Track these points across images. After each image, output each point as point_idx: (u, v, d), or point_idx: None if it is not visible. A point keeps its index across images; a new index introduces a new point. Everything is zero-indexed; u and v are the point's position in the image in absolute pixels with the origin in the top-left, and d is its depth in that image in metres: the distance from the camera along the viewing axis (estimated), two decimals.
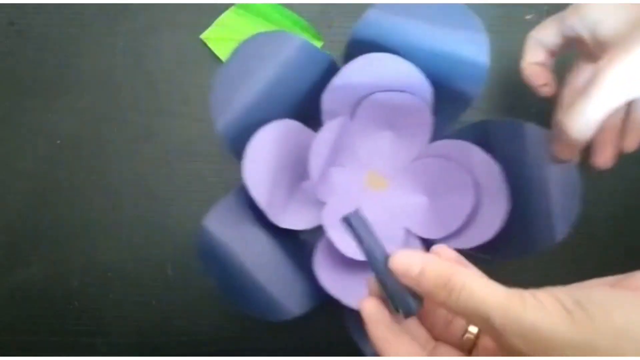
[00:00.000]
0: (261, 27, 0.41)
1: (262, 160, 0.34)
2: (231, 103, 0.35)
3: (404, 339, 0.23)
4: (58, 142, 0.42)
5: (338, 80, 0.34)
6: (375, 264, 0.24)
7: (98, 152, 0.42)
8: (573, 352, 0.19)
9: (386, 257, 0.23)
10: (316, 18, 0.41)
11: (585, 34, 0.32)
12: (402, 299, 0.23)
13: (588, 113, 0.28)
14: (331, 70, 0.36)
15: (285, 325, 0.40)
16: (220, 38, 0.41)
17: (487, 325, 0.20)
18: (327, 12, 0.41)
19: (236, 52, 0.34)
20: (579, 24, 0.32)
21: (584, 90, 0.29)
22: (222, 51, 0.41)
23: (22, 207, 0.41)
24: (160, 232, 0.41)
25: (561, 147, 0.32)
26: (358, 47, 0.35)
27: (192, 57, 0.42)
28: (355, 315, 0.34)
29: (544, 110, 0.36)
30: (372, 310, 0.24)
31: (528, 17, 0.41)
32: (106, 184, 0.41)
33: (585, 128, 0.29)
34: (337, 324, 0.35)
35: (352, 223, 0.24)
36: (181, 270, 0.41)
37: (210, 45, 0.41)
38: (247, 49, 0.34)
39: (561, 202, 0.34)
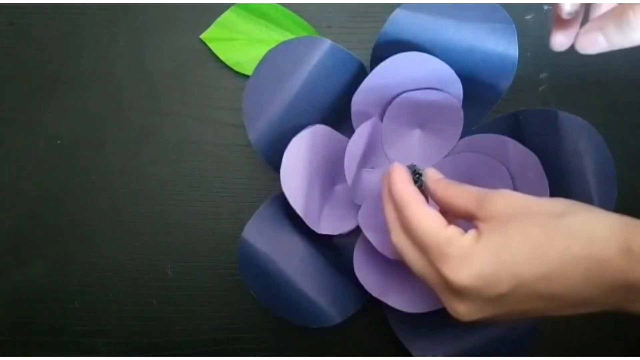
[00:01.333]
0: (261, 27, 0.41)
1: (297, 169, 0.35)
2: (263, 113, 0.35)
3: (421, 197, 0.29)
4: (58, 142, 0.42)
5: (369, 81, 0.34)
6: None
7: (98, 152, 0.42)
8: (536, 205, 0.26)
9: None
10: (316, 18, 0.41)
11: None
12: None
13: None
14: (359, 72, 0.36)
15: (285, 326, 0.40)
16: (220, 38, 0.41)
17: (476, 200, 0.27)
18: (327, 12, 0.41)
19: (265, 61, 0.35)
20: None
21: None
22: (222, 51, 0.41)
23: (22, 207, 0.41)
24: (160, 232, 0.41)
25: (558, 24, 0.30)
26: (386, 47, 0.35)
27: (192, 57, 0.42)
28: (399, 316, 0.34)
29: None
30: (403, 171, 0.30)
31: (528, 17, 0.41)
32: (106, 184, 0.41)
33: None
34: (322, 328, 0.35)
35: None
36: (181, 270, 0.41)
37: (210, 45, 0.41)
38: (275, 57, 0.35)
39: (599, 189, 0.34)
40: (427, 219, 0.27)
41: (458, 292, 0.26)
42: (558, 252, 0.24)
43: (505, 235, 0.25)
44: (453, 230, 0.27)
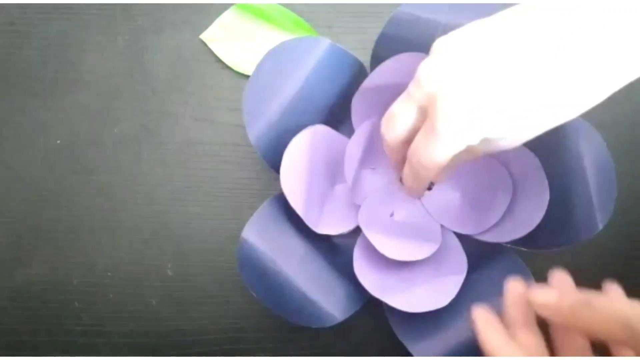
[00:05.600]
0: (261, 27, 0.41)
1: (297, 169, 0.35)
2: (263, 113, 0.35)
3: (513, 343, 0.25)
4: (58, 142, 0.42)
5: (368, 82, 0.34)
6: None
7: (98, 152, 0.42)
8: None
9: None
10: (316, 18, 0.41)
11: None
12: None
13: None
14: (359, 72, 0.36)
15: (285, 326, 0.40)
16: (220, 38, 0.41)
17: (626, 330, 0.22)
18: (327, 12, 0.41)
19: (265, 61, 0.34)
20: None
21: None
22: (222, 51, 0.41)
23: (22, 207, 0.41)
24: (160, 232, 0.41)
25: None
26: (386, 47, 0.35)
27: (192, 57, 0.42)
28: (398, 316, 0.34)
29: None
30: (485, 316, 0.26)
31: None
32: (106, 184, 0.41)
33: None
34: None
35: None
36: (181, 270, 0.41)
37: (210, 45, 0.41)
38: (275, 57, 0.34)
39: (599, 189, 0.34)
40: None
41: None
42: None
43: None
44: None
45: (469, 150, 0.27)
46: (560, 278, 0.27)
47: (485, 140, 0.26)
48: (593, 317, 0.23)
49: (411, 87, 0.27)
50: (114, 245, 0.41)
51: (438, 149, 0.26)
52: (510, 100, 0.24)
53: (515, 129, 0.25)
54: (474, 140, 0.25)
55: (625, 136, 0.41)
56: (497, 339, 0.25)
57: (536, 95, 0.24)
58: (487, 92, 0.24)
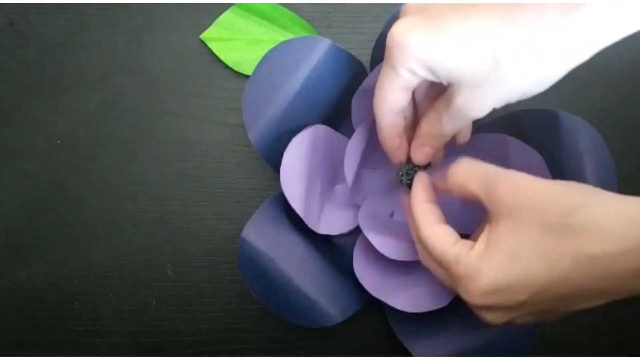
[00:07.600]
0: (261, 27, 0.41)
1: (297, 168, 0.35)
2: (262, 113, 0.35)
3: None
4: (58, 142, 0.42)
5: (369, 81, 0.34)
6: None
7: (98, 152, 0.42)
8: (545, 198, 0.25)
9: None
10: (316, 18, 0.41)
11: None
12: None
13: None
14: (359, 72, 0.36)
15: (285, 326, 0.40)
16: (220, 38, 0.41)
17: (484, 185, 0.27)
18: (327, 12, 0.41)
19: (265, 61, 0.34)
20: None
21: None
22: (222, 51, 0.41)
23: (22, 207, 0.41)
24: (160, 232, 0.41)
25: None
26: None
27: (192, 57, 0.42)
28: (399, 315, 0.34)
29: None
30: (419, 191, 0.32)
31: None
32: (106, 184, 0.41)
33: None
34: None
35: None
36: (181, 270, 0.41)
37: (210, 45, 0.41)
38: (276, 56, 0.34)
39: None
40: (436, 239, 0.28)
41: (478, 307, 0.26)
42: (572, 255, 0.23)
43: (514, 242, 0.25)
44: (460, 248, 0.27)
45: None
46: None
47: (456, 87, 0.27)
48: (458, 177, 0.29)
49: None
50: (114, 245, 0.41)
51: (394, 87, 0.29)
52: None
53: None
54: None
55: (625, 136, 0.41)
56: (420, 195, 0.31)
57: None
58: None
